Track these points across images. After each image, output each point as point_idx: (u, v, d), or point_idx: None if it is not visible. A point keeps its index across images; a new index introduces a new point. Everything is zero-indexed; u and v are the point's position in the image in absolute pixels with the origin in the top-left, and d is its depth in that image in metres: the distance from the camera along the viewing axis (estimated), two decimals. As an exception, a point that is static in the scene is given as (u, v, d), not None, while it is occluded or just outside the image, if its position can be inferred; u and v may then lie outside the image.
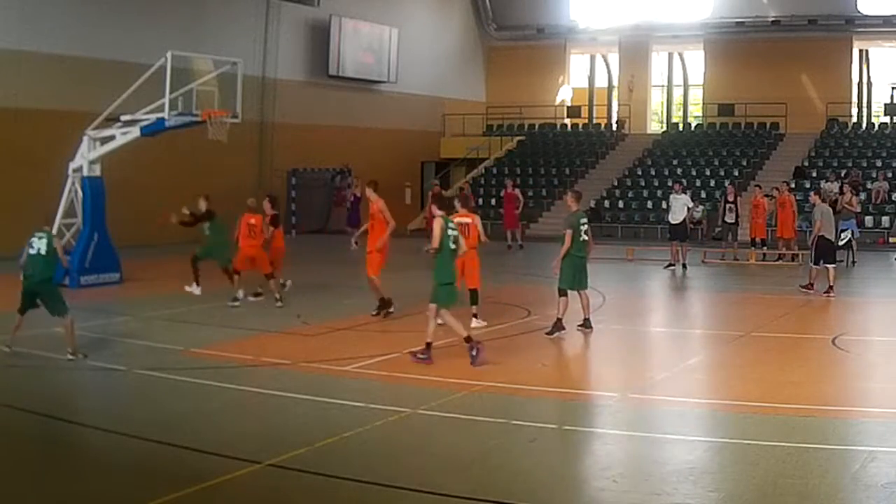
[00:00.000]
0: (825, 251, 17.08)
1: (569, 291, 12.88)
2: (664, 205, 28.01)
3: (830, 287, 16.80)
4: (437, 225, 11.16)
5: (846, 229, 22.42)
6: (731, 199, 23.58)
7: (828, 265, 17.02)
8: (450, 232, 11.17)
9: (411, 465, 7.58)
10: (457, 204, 13.46)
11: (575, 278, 12.87)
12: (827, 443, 7.95)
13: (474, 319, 13.42)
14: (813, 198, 18.15)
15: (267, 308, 15.29)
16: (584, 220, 13.13)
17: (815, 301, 16.81)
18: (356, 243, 22.36)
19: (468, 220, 13.19)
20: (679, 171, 33.18)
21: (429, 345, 10.98)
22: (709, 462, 7.76)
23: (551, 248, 12.94)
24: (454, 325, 11.17)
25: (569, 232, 12.72)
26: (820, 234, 17.08)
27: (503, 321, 14.16)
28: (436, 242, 11.07)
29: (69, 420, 8.89)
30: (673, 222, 21.59)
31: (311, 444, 7.93)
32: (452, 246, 11.19)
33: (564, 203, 13.17)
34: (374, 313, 14.29)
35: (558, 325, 12.75)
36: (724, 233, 23.94)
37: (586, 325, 13.09)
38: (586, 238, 12.96)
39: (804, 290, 17.31)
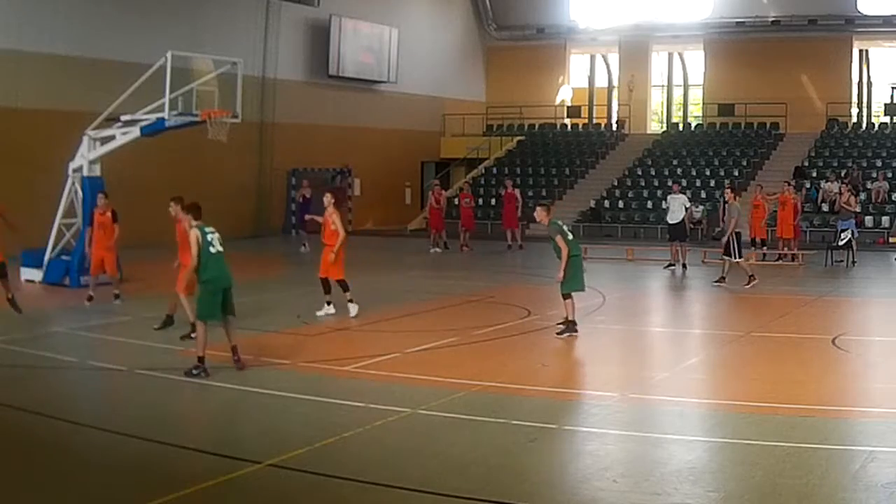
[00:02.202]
0: (740, 246, 18.42)
1: (573, 293, 12.85)
2: (664, 205, 28.00)
3: (751, 277, 18.02)
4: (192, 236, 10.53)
5: (846, 229, 22.46)
6: (728, 199, 23.52)
7: (739, 259, 18.29)
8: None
9: (411, 465, 7.58)
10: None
11: (579, 280, 12.87)
12: (827, 443, 7.95)
13: (328, 306, 14.37)
14: (728, 195, 19.02)
15: (267, 308, 15.30)
16: (561, 222, 13.06)
17: (816, 301, 16.84)
18: (305, 245, 22.55)
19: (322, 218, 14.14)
20: (679, 171, 33.19)
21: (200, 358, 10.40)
22: (709, 462, 7.76)
23: (551, 248, 12.92)
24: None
25: (559, 237, 12.66)
26: (736, 230, 18.28)
27: (503, 321, 14.16)
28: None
29: (69, 420, 8.88)
30: (671, 222, 21.58)
31: (311, 444, 7.93)
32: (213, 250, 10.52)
33: (538, 218, 13.04)
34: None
35: (570, 327, 12.78)
36: (723, 233, 23.88)
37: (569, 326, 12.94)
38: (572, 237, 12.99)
39: (717, 284, 18.30)
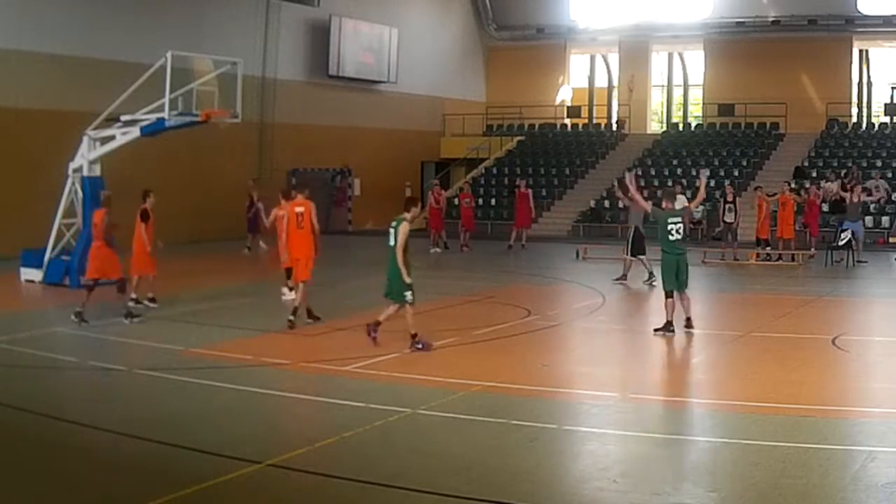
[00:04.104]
0: (641, 243, 18.73)
1: (674, 293, 12.98)
2: (664, 205, 27.96)
3: (651, 274, 18.28)
4: None
5: (846, 229, 22.47)
6: (729, 199, 23.61)
7: (641, 256, 18.67)
8: None
9: (411, 465, 7.58)
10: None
11: (678, 279, 13.01)
12: (827, 443, 7.95)
13: (288, 290, 15.16)
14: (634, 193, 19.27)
15: (267, 308, 15.30)
16: (676, 218, 13.24)
17: (816, 301, 16.84)
18: (248, 249, 22.74)
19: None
20: (679, 171, 33.18)
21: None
22: (709, 462, 7.76)
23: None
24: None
25: (659, 228, 13.07)
26: (636, 226, 18.77)
27: (503, 321, 14.16)
28: None
29: (69, 420, 8.88)
30: None
31: (311, 444, 7.93)
32: None
33: (662, 200, 13.53)
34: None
35: (667, 327, 12.91)
36: (723, 233, 23.94)
37: (689, 324, 13.18)
38: (677, 237, 13.12)
39: (618, 282, 18.64)
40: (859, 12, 33.67)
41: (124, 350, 12.10)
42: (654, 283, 18.01)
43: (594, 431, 8.68)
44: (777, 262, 22.56)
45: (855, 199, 23.44)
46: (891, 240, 26.71)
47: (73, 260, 17.83)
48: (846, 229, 22.34)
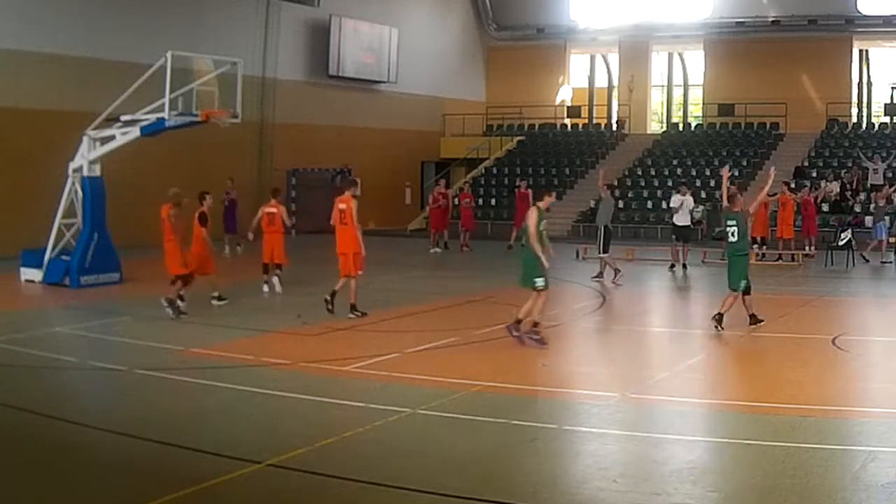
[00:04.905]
0: (608, 242, 19.09)
1: (737, 291, 13.24)
2: (664, 205, 27.99)
3: (616, 271, 18.82)
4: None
5: (846, 229, 22.50)
6: None
7: (604, 255, 19.00)
8: None
9: (411, 465, 7.58)
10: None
11: (747, 277, 13.33)
12: (827, 443, 7.94)
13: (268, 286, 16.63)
14: (603, 191, 19.81)
15: (267, 308, 15.29)
16: (731, 220, 13.45)
17: (816, 301, 16.84)
18: (239, 246, 22.72)
19: (274, 210, 16.70)
20: (679, 171, 33.17)
21: None
22: (709, 462, 7.76)
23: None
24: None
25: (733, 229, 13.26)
26: (605, 225, 19.16)
27: (503, 321, 14.13)
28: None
29: (69, 420, 8.88)
30: (680, 224, 21.52)
31: (311, 444, 7.93)
32: None
33: (734, 201, 13.59)
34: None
35: (755, 319, 13.27)
36: (725, 232, 23.86)
37: (753, 320, 13.39)
38: (733, 239, 13.39)
39: (595, 279, 19.01)
40: (859, 12, 33.67)
41: (124, 350, 12.09)
42: (615, 282, 18.65)
43: (594, 431, 8.67)
44: (777, 262, 22.55)
45: (882, 203, 23.56)
46: (891, 240, 26.68)
47: (73, 260, 17.85)
48: (845, 230, 22.42)
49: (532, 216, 12.02)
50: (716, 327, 13.03)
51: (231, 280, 17.29)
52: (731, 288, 13.35)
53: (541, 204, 12.27)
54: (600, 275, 19.18)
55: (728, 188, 13.78)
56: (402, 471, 7.41)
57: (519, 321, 12.12)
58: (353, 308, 14.29)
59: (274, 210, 16.86)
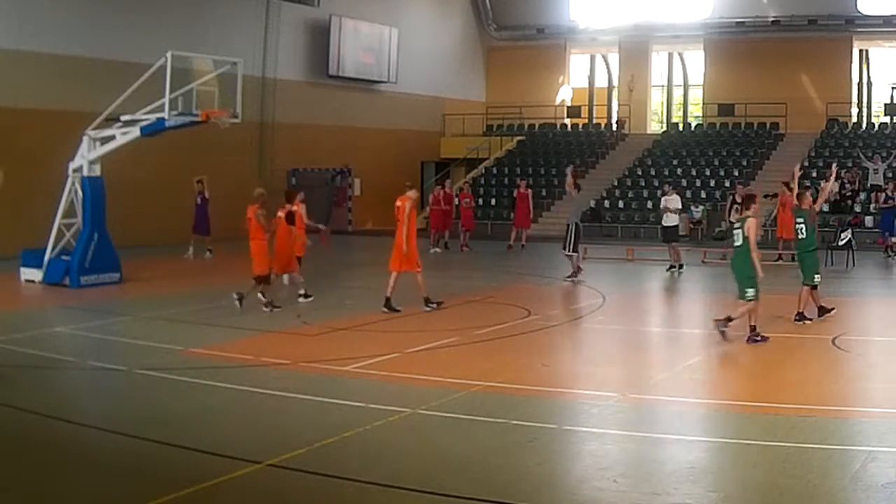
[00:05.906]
0: (578, 240, 19.05)
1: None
2: (662, 204, 27.93)
3: (578, 269, 18.89)
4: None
5: (846, 229, 22.50)
6: (738, 199, 23.52)
7: (574, 253, 18.96)
8: None
9: (411, 465, 7.58)
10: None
11: (819, 272, 13.80)
12: (827, 443, 7.94)
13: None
14: (572, 189, 19.62)
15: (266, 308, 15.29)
16: (800, 218, 13.77)
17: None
18: (209, 251, 22.65)
19: (400, 203, 15.24)
20: (679, 171, 33.18)
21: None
22: (709, 462, 7.76)
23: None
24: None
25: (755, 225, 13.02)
26: (576, 223, 19.16)
27: (503, 321, 14.16)
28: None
29: (69, 420, 8.88)
30: (668, 224, 21.45)
31: (311, 444, 7.92)
32: None
33: (803, 199, 13.90)
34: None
35: (824, 310, 13.88)
36: (726, 232, 23.90)
37: (823, 311, 13.87)
38: (802, 236, 13.76)
39: (570, 279, 18.87)
40: (859, 12, 33.67)
41: (124, 350, 12.09)
42: (576, 280, 18.69)
43: (594, 431, 8.67)
44: (777, 262, 22.53)
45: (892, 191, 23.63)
46: (892, 240, 26.67)
47: (73, 260, 17.85)
48: (846, 229, 22.45)
49: (753, 226, 12.34)
50: (802, 322, 13.55)
51: (231, 280, 17.26)
52: (804, 283, 13.78)
53: (750, 213, 12.50)
54: (575, 273, 18.98)
55: (790, 187, 14.16)
56: (401, 471, 7.41)
57: (729, 319, 12.41)
58: (428, 301, 15.04)
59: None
